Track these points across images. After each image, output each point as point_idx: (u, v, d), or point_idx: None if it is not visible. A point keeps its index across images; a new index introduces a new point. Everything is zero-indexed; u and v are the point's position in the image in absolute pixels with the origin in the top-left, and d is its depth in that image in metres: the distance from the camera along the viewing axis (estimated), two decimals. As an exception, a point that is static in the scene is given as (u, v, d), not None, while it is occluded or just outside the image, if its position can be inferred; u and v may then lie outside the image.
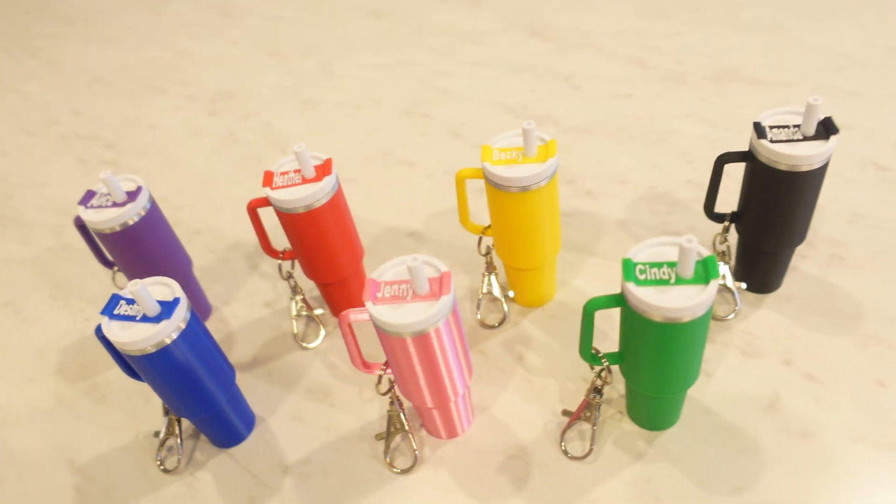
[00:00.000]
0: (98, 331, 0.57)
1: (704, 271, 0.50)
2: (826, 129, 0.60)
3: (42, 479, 0.68)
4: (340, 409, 0.69)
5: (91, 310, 0.85)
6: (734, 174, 0.79)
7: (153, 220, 0.71)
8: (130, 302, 0.57)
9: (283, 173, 0.66)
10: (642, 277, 0.50)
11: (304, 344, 0.75)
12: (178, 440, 0.67)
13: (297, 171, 0.66)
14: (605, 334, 0.69)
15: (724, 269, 0.70)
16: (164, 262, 0.73)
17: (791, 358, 0.66)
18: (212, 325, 0.80)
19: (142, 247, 0.71)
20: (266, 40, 1.33)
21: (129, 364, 0.59)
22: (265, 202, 0.67)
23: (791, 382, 0.64)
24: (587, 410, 0.62)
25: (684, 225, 0.80)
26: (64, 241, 0.95)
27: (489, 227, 0.69)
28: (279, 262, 0.73)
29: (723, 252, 0.70)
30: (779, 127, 0.61)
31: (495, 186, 0.62)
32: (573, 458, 0.61)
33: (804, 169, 0.59)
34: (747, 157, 0.62)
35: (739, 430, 0.61)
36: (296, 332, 0.76)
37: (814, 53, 1.02)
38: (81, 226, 0.73)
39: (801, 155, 0.58)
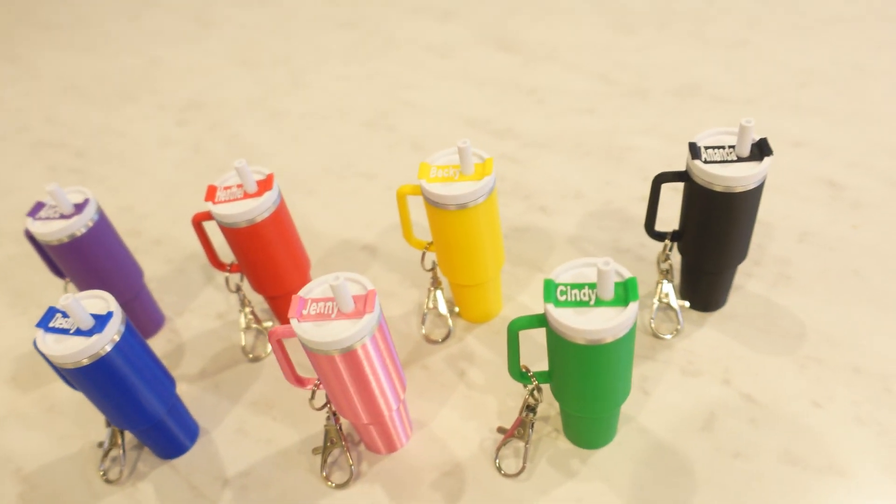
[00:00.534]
0: (35, 344, 0.58)
1: (625, 293, 0.50)
2: (760, 150, 0.60)
3: (-14, 488, 0.69)
4: (283, 422, 0.69)
5: (47, 319, 0.85)
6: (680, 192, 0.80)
7: (101, 231, 0.71)
8: (66, 315, 0.58)
9: (226, 188, 0.67)
10: (562, 298, 0.50)
11: (252, 356, 0.75)
12: (121, 451, 0.68)
13: (240, 185, 0.66)
14: (544, 350, 0.69)
15: (668, 288, 0.71)
16: (113, 274, 0.73)
17: (730, 377, 0.66)
18: (164, 335, 0.80)
19: (89, 258, 0.71)
20: (239, 49, 1.34)
21: (65, 376, 0.60)
22: (209, 216, 0.68)
23: (728, 402, 0.64)
24: (521, 428, 0.62)
25: (635, 241, 0.80)
26: (26, 249, 0.96)
27: (432, 242, 0.69)
28: (227, 274, 0.74)
29: (666, 270, 0.71)
30: (714, 147, 0.61)
31: (433, 204, 0.62)
32: (506, 475, 0.61)
33: (738, 190, 0.59)
34: (683, 177, 0.62)
35: (675, 449, 0.61)
36: (244, 343, 0.76)
37: (778, 69, 1.03)
38: (31, 237, 0.73)
39: (733, 176, 0.59)
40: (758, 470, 0.59)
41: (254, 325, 0.77)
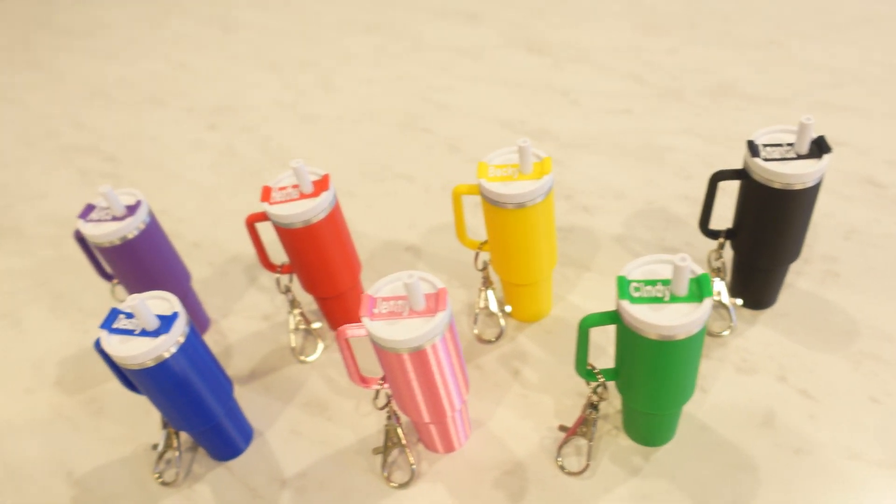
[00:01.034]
0: (97, 345, 0.58)
1: (698, 289, 0.50)
2: (819, 147, 0.60)
3: (40, 492, 0.68)
4: (338, 422, 0.69)
5: (89, 321, 0.85)
6: (730, 190, 0.80)
7: (152, 233, 0.71)
8: (129, 316, 0.58)
9: (281, 188, 0.67)
10: (637, 295, 0.51)
11: (302, 357, 0.75)
12: (177, 453, 0.68)
13: (296, 186, 0.67)
14: (603, 349, 0.70)
15: (720, 286, 0.71)
16: (163, 276, 0.74)
17: (785, 374, 0.66)
18: (210, 337, 0.80)
19: (141, 260, 0.71)
20: (265, 54, 1.34)
21: (128, 377, 0.60)
22: (263, 217, 0.68)
23: (786, 399, 0.64)
24: (583, 426, 0.62)
25: (680, 241, 0.80)
26: (62, 252, 0.96)
27: (486, 242, 0.70)
28: (277, 275, 0.74)
29: (718, 268, 0.71)
30: (772, 145, 0.61)
31: (491, 203, 0.62)
32: (570, 473, 0.61)
33: (798, 187, 0.60)
34: (741, 174, 0.63)
35: (735, 446, 0.61)
36: (294, 345, 0.76)
37: (809, 69, 1.03)
38: (81, 239, 0.73)
39: (794, 173, 0.59)
40: (820, 465, 0.59)
41: (302, 327, 0.77)
